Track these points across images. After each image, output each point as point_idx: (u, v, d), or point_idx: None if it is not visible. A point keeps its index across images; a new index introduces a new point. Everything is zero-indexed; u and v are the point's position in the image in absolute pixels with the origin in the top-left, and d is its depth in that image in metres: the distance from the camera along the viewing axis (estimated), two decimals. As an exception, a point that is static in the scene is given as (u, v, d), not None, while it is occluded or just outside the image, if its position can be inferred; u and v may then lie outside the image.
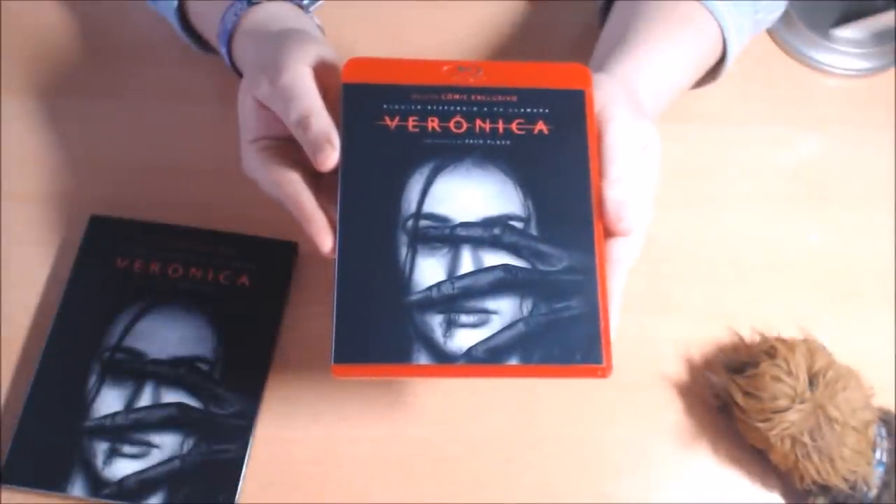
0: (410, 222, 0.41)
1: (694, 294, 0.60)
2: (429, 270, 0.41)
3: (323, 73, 0.46)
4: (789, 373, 0.51)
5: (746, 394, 0.52)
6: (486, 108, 0.44)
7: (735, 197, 0.64)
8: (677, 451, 0.56)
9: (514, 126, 0.44)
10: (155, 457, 0.54)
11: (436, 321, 0.40)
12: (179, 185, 0.63)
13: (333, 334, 0.39)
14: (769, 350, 0.53)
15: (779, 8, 0.62)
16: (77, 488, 0.53)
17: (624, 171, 0.44)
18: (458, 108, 0.44)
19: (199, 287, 0.58)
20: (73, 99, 0.66)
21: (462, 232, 0.42)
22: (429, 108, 0.44)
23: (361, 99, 0.44)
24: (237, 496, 0.53)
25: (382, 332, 0.39)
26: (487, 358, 0.40)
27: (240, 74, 0.53)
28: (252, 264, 0.59)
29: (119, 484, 0.53)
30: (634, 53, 0.52)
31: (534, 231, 0.42)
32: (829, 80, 0.70)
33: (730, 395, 0.53)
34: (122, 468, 0.53)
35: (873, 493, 0.51)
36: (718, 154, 0.66)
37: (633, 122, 0.46)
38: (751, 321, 0.58)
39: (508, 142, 0.44)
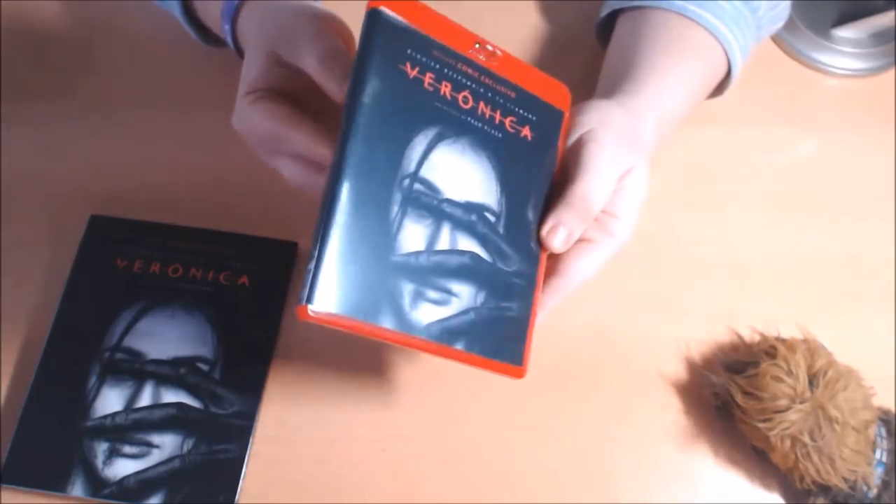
0: (407, 181, 0.40)
1: (694, 294, 0.60)
2: (412, 237, 0.40)
3: (344, 40, 0.46)
4: (789, 373, 0.51)
5: (746, 394, 0.52)
6: (490, 94, 0.44)
7: (735, 197, 0.64)
8: (677, 452, 0.56)
9: (507, 122, 0.44)
10: (155, 457, 0.54)
11: (407, 289, 0.40)
12: (179, 185, 0.63)
13: (311, 275, 0.37)
14: (769, 350, 0.53)
15: (781, 19, 0.62)
16: (77, 488, 0.53)
17: (582, 193, 0.44)
18: (470, 84, 0.43)
19: (199, 287, 0.58)
20: (74, 99, 0.67)
21: (447, 208, 0.41)
22: (446, 71, 0.42)
23: (388, 33, 0.41)
24: (237, 496, 0.53)
25: (359, 286, 0.38)
26: (440, 337, 0.41)
27: (240, 54, 0.53)
28: (252, 264, 0.59)
29: (119, 484, 0.53)
30: (644, 92, 0.52)
31: (501, 229, 0.43)
32: (829, 80, 0.70)
33: (730, 395, 0.53)
34: (122, 468, 0.53)
35: (873, 493, 0.51)
36: (718, 154, 0.66)
37: (612, 148, 0.46)
38: (751, 321, 0.58)
39: (500, 135, 0.44)
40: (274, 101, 0.45)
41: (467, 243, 0.42)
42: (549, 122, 0.46)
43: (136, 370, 0.56)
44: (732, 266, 0.62)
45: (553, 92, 0.46)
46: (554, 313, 0.59)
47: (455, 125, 0.42)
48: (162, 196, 0.62)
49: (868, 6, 0.70)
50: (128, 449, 0.54)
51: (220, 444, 0.54)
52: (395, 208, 0.40)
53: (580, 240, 0.46)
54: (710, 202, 0.64)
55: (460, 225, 0.42)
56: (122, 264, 0.59)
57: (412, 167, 0.40)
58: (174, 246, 0.60)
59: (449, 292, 0.41)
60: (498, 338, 0.43)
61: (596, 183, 0.44)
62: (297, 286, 0.60)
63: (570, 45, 0.69)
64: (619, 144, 0.46)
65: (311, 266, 0.37)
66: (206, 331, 0.57)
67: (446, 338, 0.41)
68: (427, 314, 0.40)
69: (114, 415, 0.55)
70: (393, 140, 0.40)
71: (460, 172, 0.42)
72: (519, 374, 0.44)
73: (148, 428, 0.54)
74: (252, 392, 0.56)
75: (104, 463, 0.53)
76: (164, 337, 0.57)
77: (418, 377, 0.58)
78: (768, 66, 0.69)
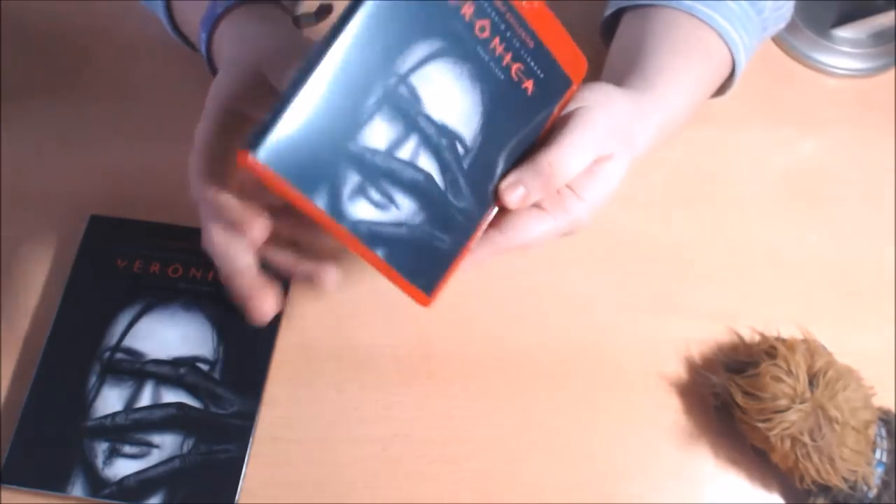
0: (394, 80, 0.39)
1: (694, 294, 0.60)
2: (377, 134, 0.39)
3: None
4: (789, 373, 0.51)
5: (746, 394, 0.52)
6: (508, 34, 0.42)
7: (735, 197, 0.64)
8: (677, 452, 0.56)
9: (515, 68, 0.43)
10: (155, 457, 0.54)
11: (353, 180, 0.39)
12: (179, 185, 0.63)
13: (265, 125, 0.35)
14: (769, 350, 0.53)
15: (784, 20, 0.62)
16: (77, 488, 0.53)
17: (552, 160, 0.44)
18: (493, 16, 0.41)
19: (199, 287, 0.58)
20: (74, 99, 0.67)
21: (422, 122, 0.40)
22: None
23: None
24: (237, 496, 0.53)
25: (308, 156, 0.37)
26: (365, 236, 0.40)
27: (211, 68, 0.52)
28: (252, 264, 0.59)
29: (119, 484, 0.53)
30: (652, 92, 0.51)
31: (465, 164, 0.43)
32: (830, 80, 0.70)
33: (730, 395, 0.53)
34: (122, 468, 0.53)
35: (873, 493, 0.51)
36: (718, 154, 0.66)
37: (600, 130, 0.45)
38: (751, 321, 0.58)
39: (502, 77, 0.43)
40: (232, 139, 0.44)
41: (427, 163, 0.41)
42: (555, 85, 0.45)
43: (136, 370, 0.56)
44: (732, 266, 0.62)
45: (572, 60, 0.46)
46: (554, 312, 0.60)
47: (463, 48, 0.41)
48: (162, 196, 0.62)
49: (868, 6, 0.70)
50: (128, 449, 0.54)
51: (220, 444, 0.54)
52: (373, 99, 0.38)
53: (535, 205, 0.46)
54: (710, 202, 0.64)
55: (428, 143, 0.41)
56: (122, 264, 0.59)
57: (404, 68, 0.39)
58: (174, 246, 0.60)
59: (391, 200, 0.41)
60: (419, 261, 0.43)
61: (570, 156, 0.44)
62: (297, 286, 0.60)
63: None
64: (609, 130, 0.46)
65: (269, 117, 0.35)
66: (206, 331, 0.57)
67: (370, 239, 0.40)
68: (362, 211, 0.40)
69: (114, 415, 0.55)
70: (398, 34, 0.38)
71: (448, 95, 0.41)
72: (425, 303, 0.44)
73: (148, 428, 0.54)
74: (252, 392, 0.56)
75: (104, 463, 0.53)
76: (164, 337, 0.57)
77: (418, 377, 0.58)
78: (768, 66, 0.69)
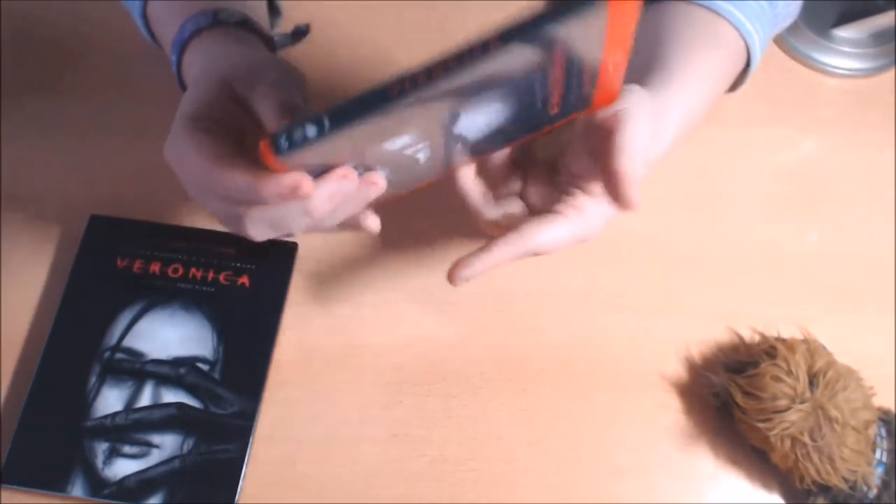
0: (449, 104, 0.39)
1: (694, 294, 0.60)
2: (399, 144, 0.40)
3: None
4: (789, 373, 0.51)
5: (746, 394, 0.52)
6: (572, 96, 0.42)
7: (735, 196, 0.64)
8: (677, 452, 0.56)
9: (555, 97, 0.42)
10: (155, 457, 0.54)
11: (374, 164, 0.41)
12: (180, 185, 0.63)
13: (304, 133, 0.35)
14: (769, 350, 0.53)
15: (792, 17, 0.61)
16: (77, 488, 0.53)
17: (630, 158, 0.44)
18: (574, 89, 0.41)
19: (199, 287, 0.58)
20: (74, 99, 0.66)
21: (445, 136, 0.42)
22: None
23: None
24: (237, 496, 0.53)
25: (326, 160, 0.39)
26: None
27: (183, 88, 0.52)
28: (252, 264, 0.59)
29: (119, 484, 0.53)
30: (671, 87, 0.51)
31: (454, 154, 0.45)
32: (830, 80, 0.70)
33: (730, 395, 0.53)
34: (122, 468, 0.53)
35: (873, 493, 0.51)
36: (718, 154, 0.66)
37: (647, 133, 0.46)
38: (751, 321, 0.58)
39: (539, 107, 0.42)
40: (211, 134, 0.44)
41: (424, 155, 0.43)
42: (573, 107, 0.45)
43: (136, 370, 0.56)
44: (732, 266, 0.62)
45: (606, 91, 0.44)
46: (554, 312, 0.60)
47: (527, 98, 0.41)
48: (162, 196, 0.62)
49: (868, 6, 0.70)
50: (128, 449, 0.54)
51: (220, 444, 0.54)
52: (415, 127, 0.39)
53: (552, 210, 0.47)
54: (710, 202, 0.64)
55: (438, 147, 0.42)
56: (122, 264, 0.59)
57: (467, 103, 0.39)
58: (174, 246, 0.60)
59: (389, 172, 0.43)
60: None
61: (633, 158, 0.44)
62: (297, 286, 0.60)
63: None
64: (649, 129, 0.46)
65: (312, 132, 0.35)
66: (206, 331, 0.57)
67: None
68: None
69: (114, 415, 0.55)
70: (492, 79, 0.37)
71: (484, 116, 0.41)
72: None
73: (148, 428, 0.54)
74: (252, 392, 0.56)
75: (104, 463, 0.53)
76: (164, 337, 0.57)
77: (418, 377, 0.58)
78: (768, 66, 0.69)
